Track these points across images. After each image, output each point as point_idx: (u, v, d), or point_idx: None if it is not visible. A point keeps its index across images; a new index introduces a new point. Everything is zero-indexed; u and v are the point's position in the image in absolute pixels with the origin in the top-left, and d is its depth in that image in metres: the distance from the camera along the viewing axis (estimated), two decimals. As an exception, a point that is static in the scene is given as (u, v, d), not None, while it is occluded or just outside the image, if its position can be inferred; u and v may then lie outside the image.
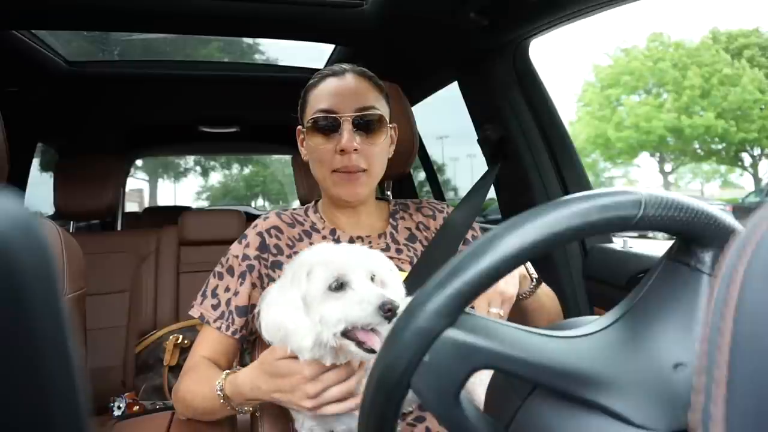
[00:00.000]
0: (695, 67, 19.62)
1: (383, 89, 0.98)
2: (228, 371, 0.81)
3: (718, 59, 19.53)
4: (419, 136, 1.26)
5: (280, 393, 0.71)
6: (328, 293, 0.67)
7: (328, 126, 0.91)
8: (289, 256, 0.95)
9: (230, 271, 0.94)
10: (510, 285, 0.77)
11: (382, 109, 0.96)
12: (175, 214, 2.18)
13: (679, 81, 19.85)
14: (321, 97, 0.93)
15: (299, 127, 0.99)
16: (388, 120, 0.97)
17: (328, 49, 1.86)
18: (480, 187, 1.20)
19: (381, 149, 0.95)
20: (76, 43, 2.02)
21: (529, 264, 0.86)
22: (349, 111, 0.91)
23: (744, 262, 0.23)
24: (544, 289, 0.89)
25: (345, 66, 0.96)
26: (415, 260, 0.98)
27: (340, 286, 0.67)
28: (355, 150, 0.90)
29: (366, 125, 0.92)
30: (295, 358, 0.69)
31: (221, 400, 0.79)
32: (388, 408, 0.39)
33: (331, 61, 1.88)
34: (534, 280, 0.86)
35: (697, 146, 21.37)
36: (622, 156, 22.70)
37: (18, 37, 1.49)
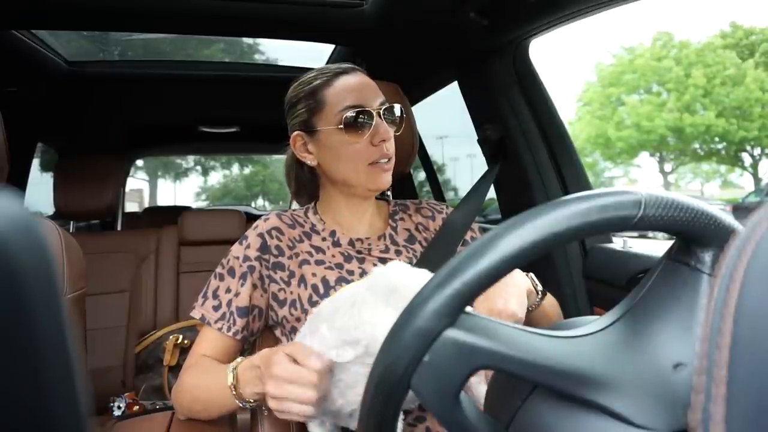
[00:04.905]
0: (700, 66, 19.53)
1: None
2: (242, 357, 0.82)
3: (723, 59, 19.41)
4: (419, 136, 1.26)
5: (258, 378, 0.74)
6: None
7: (364, 121, 0.92)
8: (290, 257, 0.95)
9: (231, 272, 0.94)
10: (520, 307, 0.76)
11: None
12: (175, 214, 2.17)
13: (682, 79, 19.78)
14: (345, 95, 0.93)
15: (298, 132, 0.96)
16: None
17: (328, 49, 1.86)
18: (480, 187, 1.20)
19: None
20: (76, 43, 2.01)
21: (533, 276, 0.87)
22: (376, 105, 0.93)
23: (744, 262, 0.23)
24: (548, 299, 0.89)
25: (346, 65, 0.97)
26: (415, 261, 0.98)
27: None
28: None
29: (392, 116, 0.95)
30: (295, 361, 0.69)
31: (229, 384, 0.79)
32: (387, 408, 0.39)
33: (331, 61, 1.88)
34: (539, 293, 0.86)
35: (697, 146, 21.34)
36: (622, 156, 22.67)
37: (18, 37, 1.49)
